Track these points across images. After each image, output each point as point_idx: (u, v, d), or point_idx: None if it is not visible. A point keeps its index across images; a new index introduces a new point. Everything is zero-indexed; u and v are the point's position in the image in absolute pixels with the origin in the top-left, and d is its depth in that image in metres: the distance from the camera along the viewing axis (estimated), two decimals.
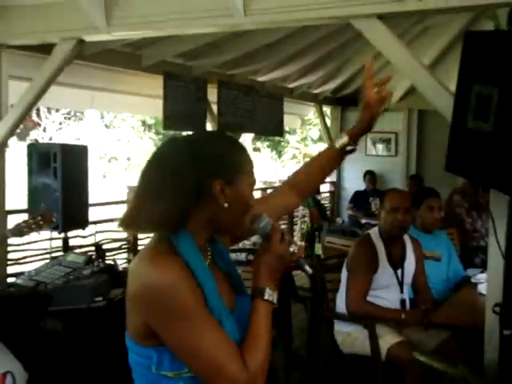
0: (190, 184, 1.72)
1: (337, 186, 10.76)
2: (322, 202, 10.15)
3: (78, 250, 5.46)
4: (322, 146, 19.32)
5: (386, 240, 4.31)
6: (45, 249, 5.87)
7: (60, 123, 25.10)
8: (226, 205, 1.75)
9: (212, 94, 6.83)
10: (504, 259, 3.13)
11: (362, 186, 10.01)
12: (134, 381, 1.83)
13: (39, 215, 3.90)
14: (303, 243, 3.15)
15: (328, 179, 10.58)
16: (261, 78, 7.32)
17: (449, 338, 4.20)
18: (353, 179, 10.15)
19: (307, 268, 1.97)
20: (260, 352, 1.73)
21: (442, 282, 5.03)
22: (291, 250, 1.87)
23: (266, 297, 1.80)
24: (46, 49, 4.29)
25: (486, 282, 4.09)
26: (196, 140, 1.85)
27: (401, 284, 4.32)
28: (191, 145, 1.80)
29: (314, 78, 8.06)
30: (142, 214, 1.74)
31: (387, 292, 4.20)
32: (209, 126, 7.26)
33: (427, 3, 3.26)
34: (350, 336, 4.21)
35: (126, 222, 1.80)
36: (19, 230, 3.86)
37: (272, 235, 1.87)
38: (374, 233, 4.35)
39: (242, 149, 1.89)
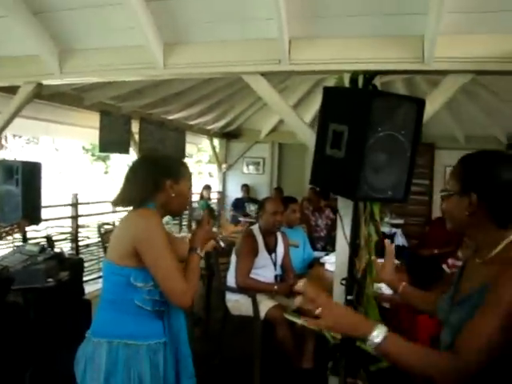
0: (152, 180, 2.18)
1: (222, 194, 10.71)
2: (212, 205, 10.09)
3: (33, 241, 5.20)
4: (211, 167, 19.94)
5: (264, 233, 4.30)
6: (9, 240, 5.56)
7: (22, 146, 24.76)
8: (173, 195, 2.21)
9: (135, 127, 6.76)
10: (349, 246, 3.14)
11: (239, 194, 10.12)
12: (109, 293, 2.14)
13: (16, 224, 3.72)
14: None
15: (215, 189, 10.56)
16: (171, 117, 7.25)
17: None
18: (233, 190, 10.19)
19: (221, 243, 2.51)
20: (194, 280, 2.19)
21: (300, 262, 5.08)
22: (213, 229, 2.49)
23: (198, 252, 2.27)
24: (12, 90, 4.06)
25: (335, 263, 4.15)
26: (157, 156, 2.37)
27: (274, 264, 4.31)
28: (154, 159, 2.31)
29: (208, 118, 8.05)
30: (127, 196, 2.21)
31: (265, 270, 4.18)
32: (132, 151, 7.11)
33: (296, 67, 3.25)
34: (237, 303, 4.14)
35: (117, 202, 2.23)
36: None
37: (202, 220, 2.38)
38: (255, 228, 4.32)
39: (185, 165, 2.36)
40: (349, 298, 3.04)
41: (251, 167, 10.55)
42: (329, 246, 6.98)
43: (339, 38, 3.13)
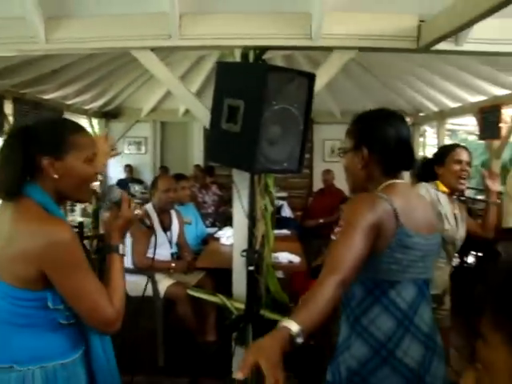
0: (19, 160, 1.56)
1: (104, 176, 10.36)
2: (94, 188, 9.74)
3: None
4: None
5: (158, 212, 4.26)
6: None
7: None
8: (55, 176, 1.60)
9: (8, 108, 6.29)
10: (247, 218, 3.22)
11: (122, 175, 9.87)
12: (24, 326, 1.58)
13: None
14: (143, 208, 3.03)
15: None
16: (47, 96, 6.83)
17: (204, 277, 4.27)
18: (116, 171, 9.87)
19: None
20: (119, 293, 1.69)
21: (194, 239, 5.10)
22: (135, 212, 1.84)
23: (121, 251, 1.77)
24: None
25: (231, 236, 4.23)
26: (33, 126, 1.64)
27: (170, 242, 4.29)
28: (26, 130, 1.62)
29: (86, 96, 7.69)
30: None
31: (161, 249, 4.14)
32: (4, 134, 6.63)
33: (187, 42, 3.23)
34: (135, 284, 4.06)
35: None
36: None
37: (122, 204, 1.81)
38: (148, 207, 4.25)
39: (78, 131, 1.69)
40: (250, 268, 3.12)
41: (133, 147, 10.29)
42: (218, 221, 7.07)
43: (230, 14, 3.15)
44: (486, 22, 2.71)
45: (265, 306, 3.34)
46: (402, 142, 1.78)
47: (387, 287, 1.68)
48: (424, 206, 1.84)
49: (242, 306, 3.21)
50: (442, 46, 3.14)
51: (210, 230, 5.71)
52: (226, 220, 7.09)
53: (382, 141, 1.77)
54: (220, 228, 5.58)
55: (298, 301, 3.22)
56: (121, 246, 1.77)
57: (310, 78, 2.89)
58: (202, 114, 3.34)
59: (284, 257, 4.09)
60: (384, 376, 1.62)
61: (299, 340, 1.30)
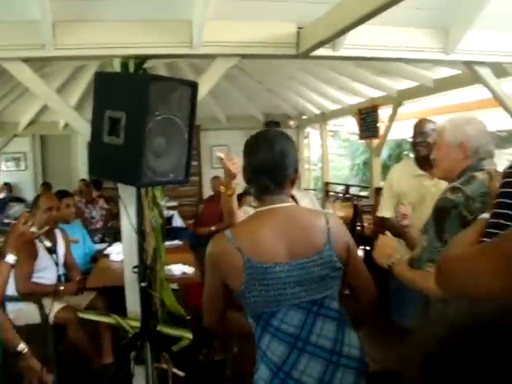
0: None
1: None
2: None
3: None
4: None
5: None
6: None
7: None
8: None
9: None
10: (137, 233, 3.11)
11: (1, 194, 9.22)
12: None
13: None
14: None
15: None
16: None
17: (96, 297, 4.08)
18: None
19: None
20: None
21: (82, 257, 4.87)
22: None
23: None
24: None
25: (121, 252, 4.08)
26: None
27: (56, 264, 4.04)
28: None
29: None
30: None
31: (47, 272, 3.89)
32: None
33: (62, 52, 3.05)
34: (21, 311, 3.80)
35: None
36: None
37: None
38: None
39: None
40: (142, 284, 3.02)
41: (11, 164, 9.67)
42: (107, 237, 6.81)
43: (108, 22, 3.02)
44: (360, 29, 2.84)
45: (161, 322, 3.25)
46: (256, 166, 1.82)
47: (268, 317, 1.74)
48: (301, 229, 1.80)
49: (138, 324, 3.09)
50: (320, 51, 3.24)
51: (100, 246, 5.49)
52: (115, 235, 6.86)
53: (244, 167, 1.88)
54: (110, 244, 5.37)
55: (194, 312, 3.16)
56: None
57: (193, 86, 2.85)
58: (82, 128, 3.18)
59: (177, 269, 4.02)
60: None
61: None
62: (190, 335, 3.27)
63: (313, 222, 1.82)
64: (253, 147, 1.87)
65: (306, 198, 2.62)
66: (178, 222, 7.23)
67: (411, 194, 3.26)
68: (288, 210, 1.83)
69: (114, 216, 7.41)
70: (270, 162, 1.79)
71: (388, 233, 2.36)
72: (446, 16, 3.31)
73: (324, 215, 1.85)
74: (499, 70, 3.94)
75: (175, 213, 7.35)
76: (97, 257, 4.99)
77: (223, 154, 2.45)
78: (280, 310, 1.73)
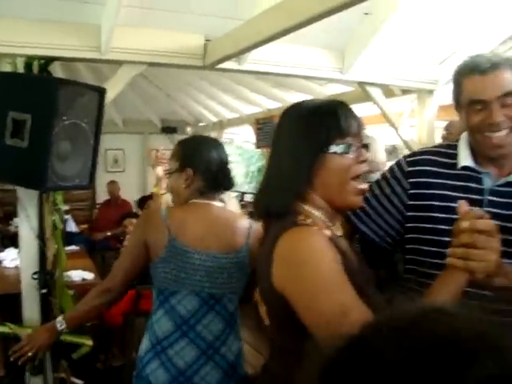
0: None
1: None
2: None
3: None
4: None
5: None
6: None
7: None
8: None
9: None
10: (38, 238, 3.03)
11: None
12: None
13: None
14: None
15: None
16: None
17: None
18: None
19: None
20: None
21: None
22: None
23: None
24: None
25: (17, 258, 3.93)
26: None
27: None
28: None
29: None
30: None
31: None
32: None
33: None
34: None
35: None
36: None
37: None
38: None
39: None
40: (43, 291, 2.95)
41: None
42: None
43: (12, 19, 2.91)
44: (265, 46, 2.99)
45: None
46: (223, 164, 2.03)
47: (168, 295, 1.90)
48: (229, 226, 1.98)
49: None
50: (226, 64, 3.36)
51: None
52: (2, 240, 6.51)
53: (206, 163, 1.99)
54: (3, 250, 5.10)
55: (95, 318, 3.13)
56: None
57: (101, 92, 2.86)
58: None
59: (77, 275, 3.94)
60: (154, 367, 1.86)
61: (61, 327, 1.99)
62: (90, 342, 3.22)
63: (237, 224, 2.00)
64: (196, 150, 2.01)
65: (231, 200, 2.86)
66: (72, 226, 7.00)
67: None
68: (218, 209, 2.01)
69: (0, 220, 7.04)
70: (217, 164, 2.00)
71: None
72: (344, 38, 3.57)
73: (250, 224, 2.02)
74: (387, 91, 4.31)
75: (69, 217, 7.11)
76: None
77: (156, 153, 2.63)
78: (181, 291, 1.88)
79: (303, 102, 1.31)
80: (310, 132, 1.19)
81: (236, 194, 8.46)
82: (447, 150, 1.50)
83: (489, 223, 1.07)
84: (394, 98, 4.59)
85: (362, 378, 0.44)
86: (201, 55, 3.33)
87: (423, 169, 1.49)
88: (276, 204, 1.21)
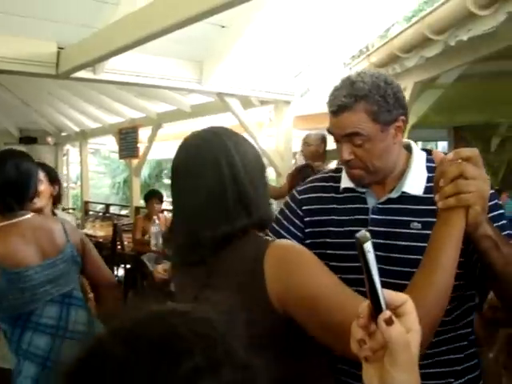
0: None
1: None
2: None
3: None
4: None
5: None
6: None
7: None
8: None
9: None
10: None
11: None
12: None
13: None
14: None
15: None
16: None
17: None
18: None
19: None
20: None
21: None
22: None
23: None
24: None
25: None
26: None
27: None
28: None
29: None
30: None
31: None
32: None
33: None
34: None
35: None
36: None
37: None
38: None
39: None
40: None
41: None
42: None
43: None
44: (122, 56, 2.97)
45: None
46: (9, 183, 1.88)
47: (26, 316, 1.85)
48: (41, 234, 1.94)
49: None
50: (81, 74, 3.29)
51: None
52: None
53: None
54: None
55: None
56: None
57: None
58: None
59: None
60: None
61: None
62: None
63: (53, 227, 1.99)
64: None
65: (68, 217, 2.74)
66: None
67: None
68: (31, 220, 1.93)
69: None
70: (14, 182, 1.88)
71: None
72: (201, 50, 3.64)
73: (60, 221, 2.06)
74: (245, 101, 4.45)
75: None
76: None
77: None
78: (37, 307, 1.85)
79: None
80: None
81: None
82: (336, 174, 1.48)
83: (474, 150, 1.02)
84: (253, 109, 4.75)
85: (97, 377, 0.48)
86: (53, 63, 3.22)
87: (313, 196, 1.48)
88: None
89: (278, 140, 4.60)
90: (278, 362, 1.02)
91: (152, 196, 5.45)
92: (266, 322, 1.02)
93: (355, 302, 0.89)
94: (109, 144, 10.27)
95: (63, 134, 8.70)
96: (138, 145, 6.62)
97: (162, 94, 5.23)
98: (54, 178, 2.83)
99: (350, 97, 1.26)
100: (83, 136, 8.32)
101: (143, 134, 6.83)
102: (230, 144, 1.14)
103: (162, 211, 5.69)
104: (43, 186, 2.71)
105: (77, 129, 8.12)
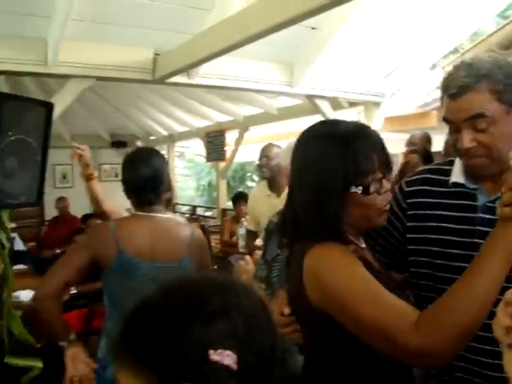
0: None
1: None
2: None
3: None
4: None
5: None
6: None
7: None
8: None
9: None
10: None
11: None
12: None
13: None
14: None
15: None
16: None
17: None
18: None
19: None
20: None
21: None
22: None
23: None
24: None
25: None
26: None
27: None
28: None
29: None
30: None
31: None
32: None
33: None
34: None
35: None
36: None
37: None
38: None
39: None
40: None
41: None
42: None
43: None
44: (214, 60, 3.00)
45: (8, 353, 3.05)
46: (140, 181, 2.00)
47: (122, 301, 1.88)
48: (172, 238, 2.02)
49: None
50: (175, 78, 3.35)
51: None
52: None
53: (132, 179, 2.02)
54: None
55: (44, 339, 3.03)
56: None
57: (48, 107, 2.78)
58: None
59: (25, 295, 3.80)
60: None
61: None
62: (40, 364, 3.12)
63: (180, 233, 2.04)
64: (126, 166, 2.05)
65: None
66: (19, 244, 6.77)
67: (265, 213, 3.49)
68: (162, 220, 2.03)
69: None
70: (144, 180, 1.99)
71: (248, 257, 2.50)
72: (292, 53, 3.62)
73: (191, 228, 2.10)
74: (335, 103, 4.39)
75: (16, 235, 6.87)
76: None
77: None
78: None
79: (322, 129, 1.25)
80: (331, 173, 1.15)
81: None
82: (446, 166, 1.41)
83: None
84: (342, 111, 4.68)
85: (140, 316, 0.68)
86: (150, 69, 3.31)
87: (419, 188, 1.41)
88: (306, 232, 1.18)
89: None
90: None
91: (240, 198, 5.49)
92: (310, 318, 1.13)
93: (389, 301, 0.98)
94: (193, 147, 10.49)
95: (151, 137, 8.98)
96: (225, 148, 6.71)
97: (249, 97, 5.27)
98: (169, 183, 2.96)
99: (470, 77, 1.17)
100: (171, 139, 8.55)
101: (229, 137, 6.91)
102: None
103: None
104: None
105: (165, 132, 8.36)
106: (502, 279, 0.95)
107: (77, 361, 1.89)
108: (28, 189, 2.79)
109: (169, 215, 2.12)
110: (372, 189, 1.15)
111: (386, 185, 1.17)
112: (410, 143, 3.80)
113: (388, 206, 1.20)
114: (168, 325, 0.63)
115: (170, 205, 2.13)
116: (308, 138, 1.25)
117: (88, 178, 2.64)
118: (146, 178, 2.00)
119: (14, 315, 3.22)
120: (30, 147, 2.74)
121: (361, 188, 1.14)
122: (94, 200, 2.63)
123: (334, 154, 1.15)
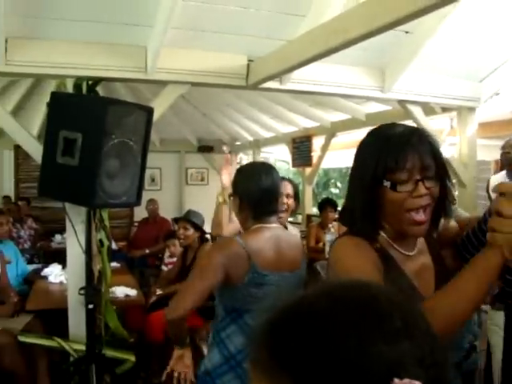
0: None
1: None
2: None
3: None
4: None
5: None
6: None
7: None
8: None
9: None
10: (85, 254, 3.08)
11: None
12: None
13: None
14: None
15: None
16: None
17: (32, 320, 3.94)
18: None
19: None
20: None
21: (15, 278, 4.67)
22: None
23: None
24: None
25: (60, 274, 4.03)
26: None
27: None
28: None
29: None
30: None
31: None
32: None
33: (13, 68, 3.02)
34: None
35: None
36: None
37: None
38: None
39: None
40: (90, 306, 2.99)
41: None
42: (36, 257, 6.59)
43: (62, 42, 3.02)
44: (307, 66, 3.01)
45: (105, 344, 3.21)
46: (268, 192, 2.08)
47: (243, 312, 1.97)
48: (291, 246, 2.12)
49: (82, 347, 3.04)
50: (268, 84, 3.40)
51: (29, 267, 5.30)
52: (45, 255, 6.63)
53: (250, 193, 2.08)
54: (45, 265, 5.18)
55: (136, 335, 3.17)
56: None
57: (148, 111, 2.91)
58: (30, 144, 3.16)
59: (121, 291, 3.98)
60: (229, 379, 1.95)
61: None
62: (133, 358, 3.26)
63: (297, 243, 2.18)
64: (242, 180, 2.13)
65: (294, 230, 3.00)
66: (112, 244, 7.09)
67: None
68: (280, 231, 2.13)
69: (40, 236, 7.17)
70: (262, 193, 2.07)
71: None
72: (384, 57, 3.57)
73: (299, 235, 2.24)
74: (427, 109, 4.28)
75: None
76: (30, 278, 4.80)
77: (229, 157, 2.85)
78: (255, 309, 1.93)
79: (379, 129, 1.29)
80: (365, 164, 1.20)
81: None
82: None
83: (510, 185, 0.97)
84: (434, 116, 4.55)
85: (301, 323, 0.56)
86: (243, 75, 3.38)
87: None
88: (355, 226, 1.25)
89: (462, 148, 4.34)
90: None
91: (326, 204, 5.48)
92: None
93: None
94: (276, 152, 10.55)
95: (237, 143, 9.12)
96: (312, 154, 6.71)
97: (336, 102, 5.24)
98: (297, 195, 3.13)
99: None
100: (256, 145, 8.65)
101: (315, 142, 6.90)
102: None
103: (336, 219, 5.68)
104: (290, 201, 2.96)
105: (250, 138, 8.47)
106: (477, 299, 0.98)
107: (182, 360, 2.04)
108: (128, 189, 2.94)
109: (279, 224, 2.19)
110: (403, 188, 1.14)
111: (422, 190, 1.15)
112: (504, 149, 3.71)
113: (421, 216, 1.17)
114: (343, 339, 0.53)
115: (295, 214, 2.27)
116: (367, 136, 1.30)
117: (225, 201, 2.76)
118: (268, 190, 2.09)
119: (111, 309, 3.40)
120: (132, 150, 2.87)
121: (389, 183, 1.15)
122: (219, 223, 2.72)
123: (372, 146, 1.20)
